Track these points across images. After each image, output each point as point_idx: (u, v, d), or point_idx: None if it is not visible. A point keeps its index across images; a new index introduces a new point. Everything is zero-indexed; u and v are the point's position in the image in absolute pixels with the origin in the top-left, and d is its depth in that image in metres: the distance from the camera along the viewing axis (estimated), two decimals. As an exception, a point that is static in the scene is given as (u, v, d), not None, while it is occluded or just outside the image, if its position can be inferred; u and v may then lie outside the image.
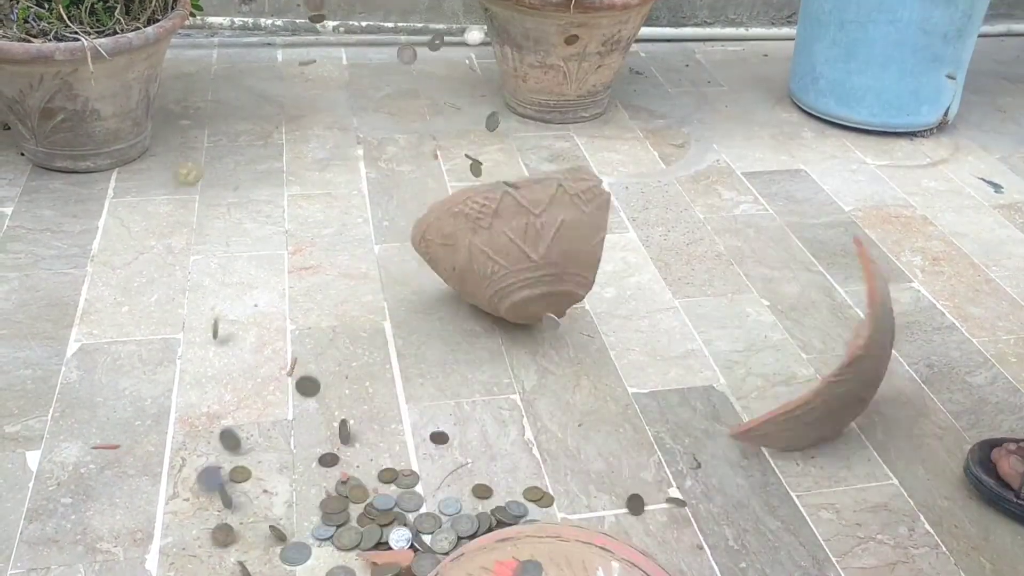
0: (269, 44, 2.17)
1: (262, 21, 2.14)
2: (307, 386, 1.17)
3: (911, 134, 1.92)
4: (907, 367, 1.30)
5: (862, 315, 1.38)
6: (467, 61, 2.15)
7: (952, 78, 1.86)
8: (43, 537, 0.98)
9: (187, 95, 1.91)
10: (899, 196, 1.71)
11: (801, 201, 1.68)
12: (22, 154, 1.64)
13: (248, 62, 2.08)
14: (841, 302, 1.42)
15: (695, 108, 2.00)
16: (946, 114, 1.90)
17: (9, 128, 1.72)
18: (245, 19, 2.13)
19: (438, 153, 1.71)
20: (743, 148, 1.85)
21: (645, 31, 2.26)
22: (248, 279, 1.39)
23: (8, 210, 1.51)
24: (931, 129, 1.92)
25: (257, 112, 1.86)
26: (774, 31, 2.39)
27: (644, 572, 0.84)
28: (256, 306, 1.34)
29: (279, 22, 2.16)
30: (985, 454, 1.10)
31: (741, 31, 2.37)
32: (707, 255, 1.51)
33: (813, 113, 1.97)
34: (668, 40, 2.34)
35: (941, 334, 1.36)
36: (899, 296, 1.44)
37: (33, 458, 1.07)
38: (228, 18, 2.12)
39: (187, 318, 1.30)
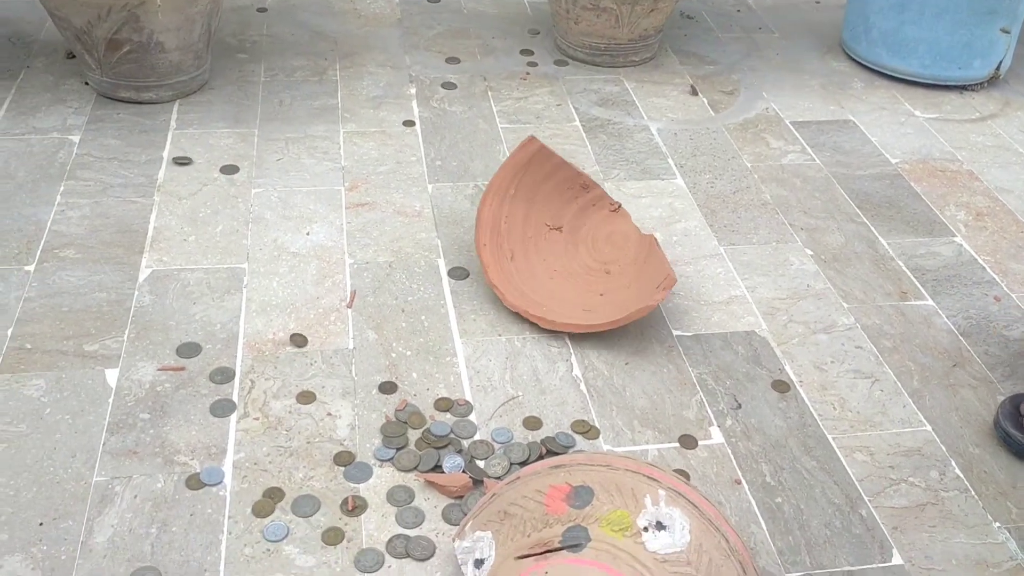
0: (322, -21, 2.19)
1: (316, -45, 2.15)
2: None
3: (961, 87, 1.92)
4: (945, 319, 1.33)
5: (904, 267, 1.41)
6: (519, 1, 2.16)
7: (1007, 32, 1.85)
8: (124, 448, 1.06)
9: (243, 29, 1.94)
10: (946, 150, 1.72)
11: (848, 152, 1.69)
12: (86, 83, 1.69)
13: (302, -3, 2.10)
14: (884, 253, 1.45)
15: (745, 55, 2.01)
16: (998, 68, 1.89)
17: (73, 57, 1.77)
18: (299, -47, 2.14)
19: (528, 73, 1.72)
20: (792, 97, 1.86)
21: (696, -26, 2.25)
22: (307, 213, 1.44)
23: (76, 138, 1.56)
24: (982, 83, 1.91)
25: (312, 48, 1.90)
26: (827, -23, 2.36)
27: (688, 500, 0.89)
28: (309, 234, 1.39)
29: (332, -43, 2.17)
30: (1015, 408, 1.14)
31: (793, -24, 2.35)
32: (753, 203, 1.54)
33: (864, 63, 1.96)
34: (719, -16, 2.32)
35: (981, 287, 1.39)
36: (940, 250, 1.46)
37: (112, 375, 1.14)
38: (282, -48, 2.13)
39: (251, 249, 1.36)
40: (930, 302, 1.36)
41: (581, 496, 0.90)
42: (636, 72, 1.90)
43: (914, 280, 1.40)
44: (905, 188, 1.61)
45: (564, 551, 0.86)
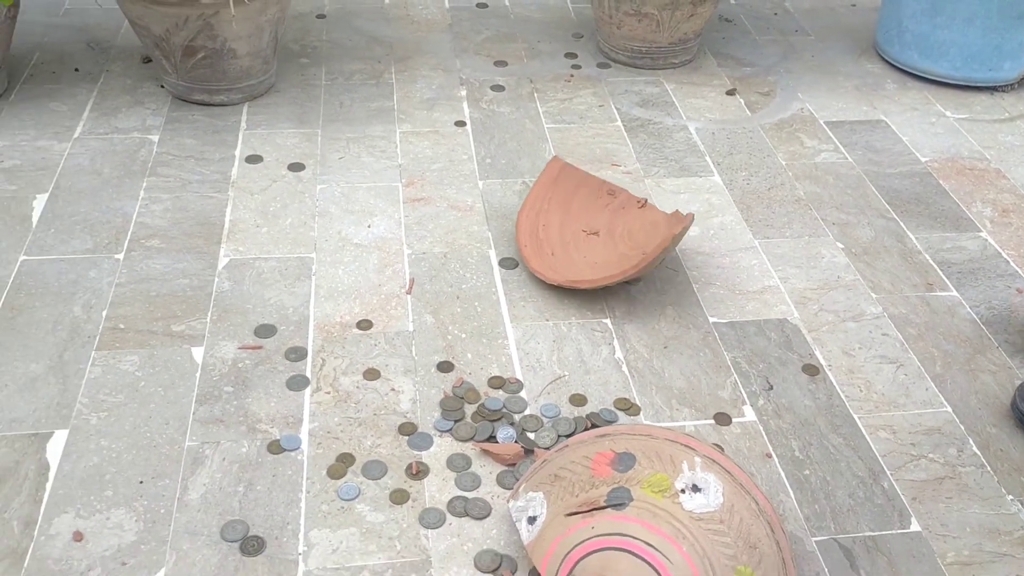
0: (376, -14, 2.30)
1: (370, -36, 2.27)
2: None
3: (991, 89, 1.98)
4: (969, 309, 1.40)
5: (930, 260, 1.49)
6: (563, 5, 2.25)
7: (1037, 34, 1.91)
8: (211, 417, 1.18)
9: (304, 35, 2.06)
10: (975, 149, 1.79)
11: (880, 151, 1.77)
12: (162, 86, 1.82)
13: (357, 3, 2.21)
14: (912, 247, 1.52)
15: (782, 57, 2.09)
16: (1029, 70, 1.96)
17: (149, 61, 1.90)
18: (355, -38, 2.26)
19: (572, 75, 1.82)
20: (827, 98, 1.94)
21: (735, -21, 2.33)
22: (368, 207, 1.55)
23: (155, 138, 1.69)
24: (1012, 84, 1.98)
25: (368, 52, 2.01)
26: (863, -20, 2.43)
27: (721, 466, 0.99)
28: (370, 227, 1.50)
29: (386, -35, 2.28)
30: None
31: (830, -20, 2.42)
32: (787, 199, 1.62)
33: (897, 65, 2.03)
34: (757, -12, 2.40)
35: (1004, 280, 1.46)
36: (966, 244, 1.54)
37: (198, 353, 1.26)
38: (339, -40, 2.25)
39: (317, 240, 1.48)
40: (955, 293, 1.43)
41: (624, 461, 1.00)
42: (675, 74, 1.99)
43: (940, 272, 1.47)
44: (934, 185, 1.68)
45: (609, 509, 0.96)
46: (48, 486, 1.08)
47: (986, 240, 1.55)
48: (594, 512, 0.96)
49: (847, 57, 2.10)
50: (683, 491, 0.96)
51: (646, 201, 1.48)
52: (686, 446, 1.01)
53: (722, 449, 1.16)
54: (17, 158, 1.61)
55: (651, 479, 0.97)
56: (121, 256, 1.42)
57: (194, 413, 1.18)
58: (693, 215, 1.33)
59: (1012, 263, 1.50)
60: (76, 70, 1.87)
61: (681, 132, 1.79)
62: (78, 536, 1.03)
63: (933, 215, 1.60)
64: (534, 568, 1.02)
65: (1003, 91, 1.98)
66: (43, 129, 1.69)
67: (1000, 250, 1.53)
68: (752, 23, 2.23)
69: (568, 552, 0.94)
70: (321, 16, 2.14)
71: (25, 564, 1.00)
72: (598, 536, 0.94)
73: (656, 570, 0.91)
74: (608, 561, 0.91)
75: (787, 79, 2.00)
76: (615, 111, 1.85)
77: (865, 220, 1.58)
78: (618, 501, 0.96)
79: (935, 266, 1.49)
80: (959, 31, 1.91)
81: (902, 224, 1.58)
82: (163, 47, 1.70)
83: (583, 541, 0.94)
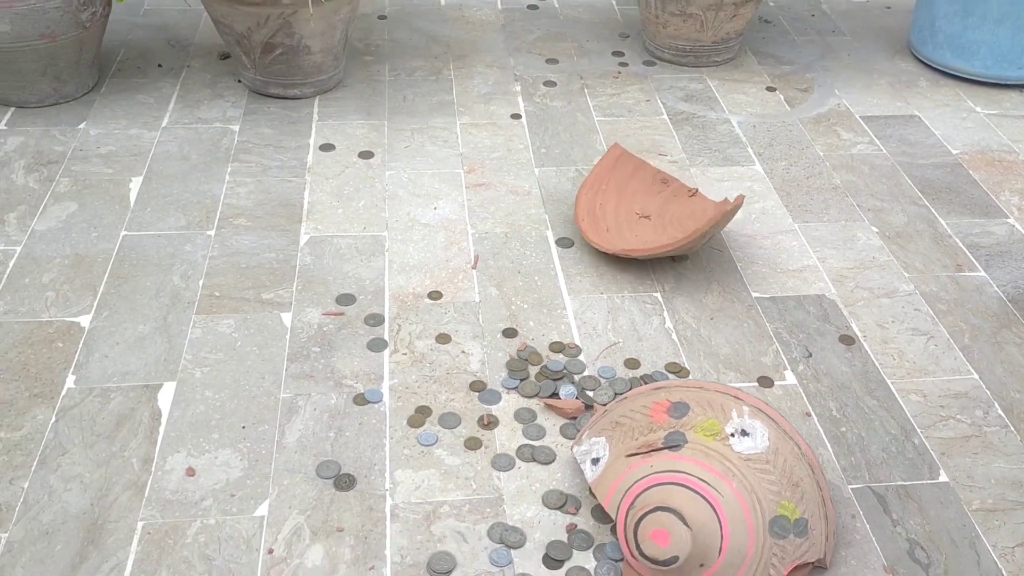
0: (432, -11, 2.44)
1: (427, -32, 2.40)
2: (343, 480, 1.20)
3: (1021, 86, 2.07)
4: (996, 288, 1.50)
5: (960, 243, 1.59)
6: (611, 5, 2.37)
7: (1066, 34, 2.00)
8: (302, 373, 1.30)
9: (368, 34, 2.19)
10: (1004, 142, 1.88)
11: (913, 143, 1.87)
12: (239, 81, 1.96)
13: (416, 5, 2.35)
14: (942, 232, 1.62)
15: (819, 56, 2.19)
16: (1058, 68, 2.04)
17: (226, 58, 2.04)
18: (413, -34, 2.40)
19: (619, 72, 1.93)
20: (862, 94, 2.04)
21: (774, -18, 2.43)
22: (433, 191, 1.68)
23: (236, 127, 1.83)
24: (1042, 82, 2.07)
25: (428, 51, 2.14)
26: (898, -16, 2.52)
27: (766, 415, 1.10)
28: (436, 209, 1.63)
29: (442, -31, 2.42)
30: None
31: (865, -17, 2.51)
32: (824, 187, 1.73)
33: (930, 64, 2.13)
34: (795, -9, 2.51)
35: (1030, 263, 1.56)
36: (995, 229, 1.63)
37: (287, 318, 1.39)
38: (399, -35, 2.39)
39: (389, 220, 1.60)
40: (983, 274, 1.53)
41: (679, 409, 1.11)
42: (718, 71, 2.10)
43: (969, 255, 1.57)
44: (964, 176, 1.77)
45: (666, 450, 1.07)
46: (161, 430, 1.21)
47: (1013, 226, 1.65)
48: (652, 453, 1.08)
49: (882, 56, 2.20)
50: (732, 435, 1.07)
51: (696, 190, 1.59)
52: (735, 397, 1.12)
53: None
54: (112, 144, 1.76)
55: (704, 424, 1.09)
56: (212, 232, 1.55)
57: (286, 369, 1.31)
58: (744, 196, 1.44)
59: (1038, 247, 1.60)
60: (159, 66, 2.02)
61: (724, 125, 1.90)
62: (190, 472, 1.16)
63: (963, 202, 1.70)
64: (596, 505, 1.13)
65: (1033, 88, 2.07)
66: (133, 119, 1.83)
67: (1027, 235, 1.63)
68: (791, 24, 2.34)
69: (629, 487, 1.06)
70: (383, 17, 2.28)
71: (146, 494, 1.13)
72: (656, 473, 1.05)
73: (709, 502, 1.02)
74: (666, 494, 1.03)
75: (824, 76, 2.10)
76: (661, 105, 1.97)
77: (898, 207, 1.68)
78: (674, 443, 1.07)
79: (964, 249, 1.58)
80: (989, 31, 2.00)
81: (933, 210, 1.68)
82: (243, 44, 1.84)
83: (643, 477, 1.06)
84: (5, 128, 1.79)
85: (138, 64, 2.03)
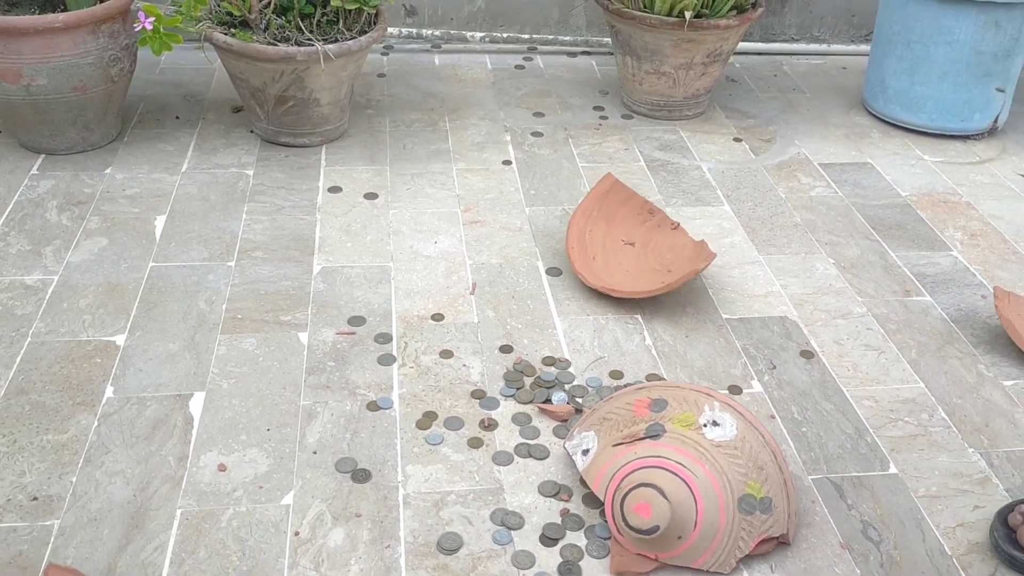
0: (428, 50, 2.64)
1: (423, 31, 2.61)
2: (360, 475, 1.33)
3: (964, 137, 2.28)
4: (940, 310, 1.67)
5: (908, 273, 1.76)
6: (590, 67, 2.58)
7: (1001, 91, 2.21)
8: (319, 384, 1.44)
9: (369, 90, 2.38)
10: (949, 186, 2.08)
11: (866, 187, 2.06)
12: (252, 131, 2.13)
13: (412, 65, 2.54)
14: (892, 263, 1.80)
15: (781, 111, 2.40)
16: (996, 121, 2.26)
17: (239, 111, 2.22)
18: (410, 29, 2.60)
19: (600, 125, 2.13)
20: (820, 144, 2.24)
21: (741, 46, 2.66)
22: (434, 228, 1.84)
23: (250, 172, 1.99)
24: (982, 133, 2.28)
25: (424, 105, 2.33)
26: (852, 47, 2.76)
27: (735, 409, 1.25)
28: (436, 243, 1.79)
29: (437, 32, 2.62)
30: (1005, 525, 1.22)
31: (824, 47, 2.75)
32: (786, 225, 1.91)
33: (881, 117, 2.34)
34: (760, 53, 2.73)
35: (971, 289, 1.74)
36: (939, 260, 1.81)
37: (303, 337, 1.54)
38: (397, 28, 2.59)
39: (393, 253, 1.76)
40: (928, 298, 1.70)
41: (659, 405, 1.26)
42: (689, 124, 2.30)
43: (916, 282, 1.75)
44: (912, 215, 1.96)
45: (647, 439, 1.22)
46: (194, 432, 1.34)
47: (956, 258, 1.83)
48: (636, 442, 1.22)
49: (838, 111, 2.41)
50: (705, 425, 1.22)
51: (679, 225, 1.76)
52: (707, 394, 1.27)
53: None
54: (137, 187, 1.91)
55: (680, 417, 1.23)
56: (233, 264, 1.70)
57: (305, 381, 1.45)
58: (715, 255, 1.60)
59: (978, 275, 1.77)
60: (177, 118, 2.19)
61: (695, 171, 2.09)
62: (222, 467, 1.29)
63: (911, 237, 1.88)
64: (587, 494, 1.27)
65: (975, 139, 2.28)
66: (155, 164, 1.99)
67: (968, 265, 1.80)
68: (755, 82, 2.55)
69: (616, 471, 1.20)
70: (382, 75, 2.47)
71: (182, 487, 1.26)
72: (640, 458, 1.20)
73: (685, 482, 1.16)
74: (648, 475, 1.17)
75: (785, 129, 2.30)
76: (639, 153, 2.15)
77: (853, 241, 1.86)
78: (654, 433, 1.22)
79: (912, 277, 1.76)
80: (934, 87, 2.21)
81: (884, 244, 1.86)
82: (258, 96, 2.01)
83: (628, 462, 1.20)
84: (37, 173, 1.94)
85: (157, 116, 2.19)
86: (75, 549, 1.17)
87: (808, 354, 1.55)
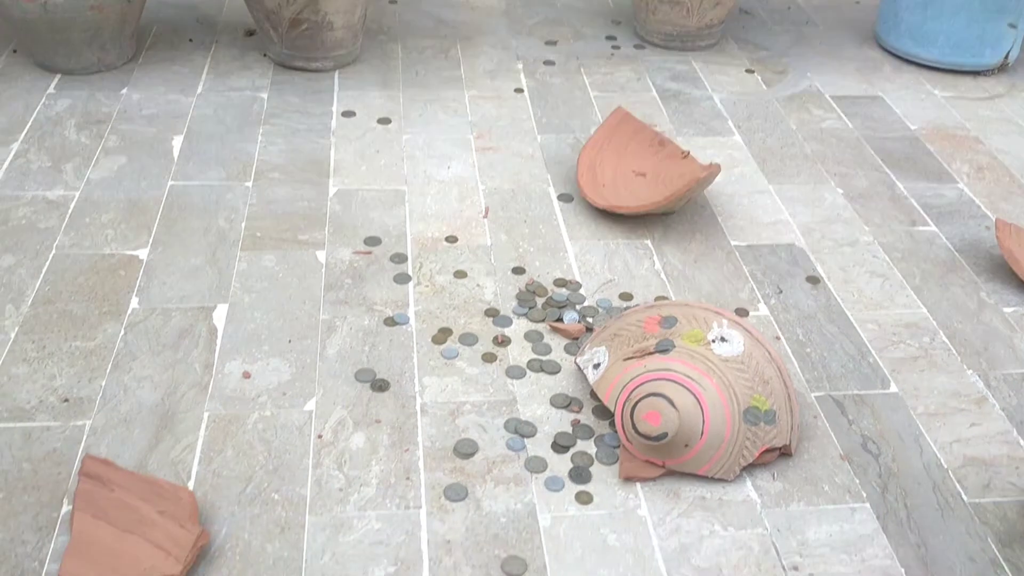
0: (438, -22, 2.63)
1: (435, -42, 2.59)
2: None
3: (975, 73, 2.28)
4: (945, 240, 1.71)
5: (915, 204, 1.79)
6: (600, -2, 2.57)
7: (1013, 27, 2.21)
8: (338, 300, 1.48)
9: (381, 17, 2.38)
10: (958, 121, 2.10)
11: (876, 120, 2.07)
12: (265, 55, 2.14)
13: (423, -8, 2.54)
14: (900, 194, 1.82)
15: (794, 43, 2.40)
16: (1006, 57, 2.26)
17: (251, 35, 2.22)
18: (421, -44, 2.58)
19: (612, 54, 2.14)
20: (832, 77, 2.24)
21: (753, -22, 2.64)
22: (446, 153, 1.86)
23: (264, 95, 2.01)
24: (993, 69, 2.28)
25: (436, 32, 2.33)
26: (867, -18, 2.74)
27: (742, 327, 1.29)
28: (449, 168, 1.81)
29: (447, -41, 2.60)
30: None
31: (837, -19, 2.73)
32: (797, 155, 1.93)
33: (893, 52, 2.34)
34: (773, -14, 2.72)
35: (976, 220, 1.77)
36: (946, 192, 1.84)
37: (321, 255, 1.57)
38: (408, -45, 2.58)
39: (407, 177, 1.79)
40: (934, 228, 1.73)
41: (669, 322, 1.30)
42: (702, 55, 2.30)
43: (923, 213, 1.78)
44: (921, 148, 1.98)
45: (657, 354, 1.26)
46: (218, 341, 1.39)
47: (963, 190, 1.85)
48: (646, 356, 1.26)
49: (850, 44, 2.41)
50: (713, 341, 1.26)
51: (688, 153, 1.78)
52: (716, 312, 1.31)
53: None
54: (153, 108, 1.93)
55: (689, 333, 1.28)
56: (250, 184, 1.73)
57: (323, 296, 1.48)
58: (720, 166, 1.63)
59: (983, 207, 1.80)
60: (190, 40, 2.19)
61: (707, 101, 2.10)
62: (246, 375, 1.34)
63: (919, 170, 1.91)
64: (596, 406, 1.32)
65: (985, 75, 2.28)
66: (171, 86, 2.01)
67: (974, 198, 1.83)
68: (768, 15, 2.54)
69: (626, 383, 1.25)
70: (393, 2, 2.46)
71: (209, 392, 1.30)
72: (649, 371, 1.24)
73: (693, 393, 1.21)
74: (657, 386, 1.21)
75: (798, 61, 2.31)
76: (651, 83, 2.16)
77: (862, 173, 1.89)
78: (664, 348, 1.26)
79: (919, 208, 1.79)
80: (947, 21, 2.21)
81: (892, 176, 1.88)
82: (272, 19, 2.01)
83: (638, 375, 1.24)
84: (54, 92, 1.96)
85: (171, 39, 2.20)
86: (107, 448, 1.22)
87: (814, 280, 1.59)
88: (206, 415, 1.27)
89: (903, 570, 1.14)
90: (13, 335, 1.37)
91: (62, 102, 1.93)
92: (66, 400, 1.28)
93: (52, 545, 1.10)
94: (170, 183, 1.71)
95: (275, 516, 1.15)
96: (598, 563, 1.12)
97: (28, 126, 1.85)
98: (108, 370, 1.33)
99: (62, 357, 1.34)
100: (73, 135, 1.83)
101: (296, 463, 1.21)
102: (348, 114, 1.96)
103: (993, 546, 1.17)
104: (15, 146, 1.79)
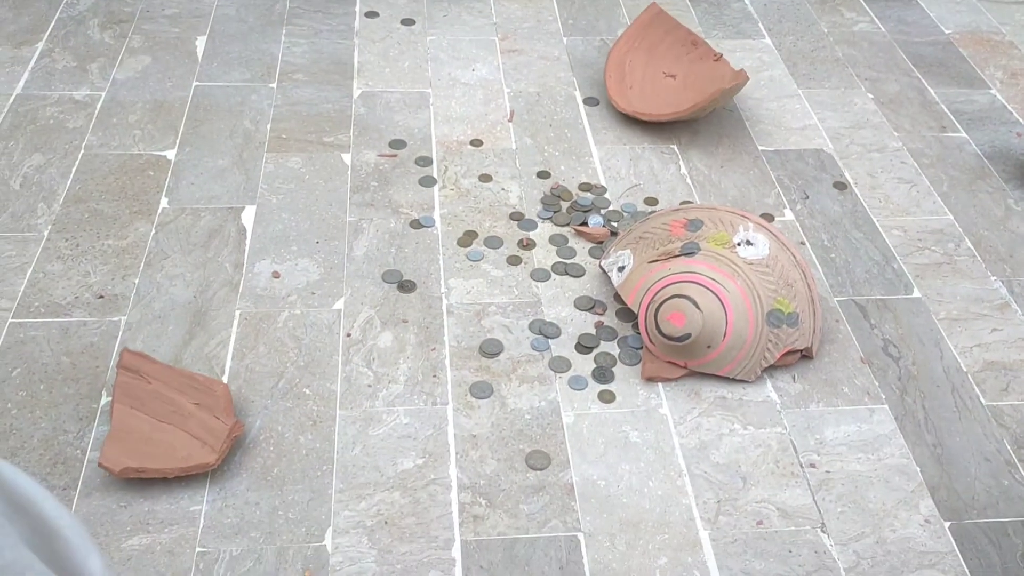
0: None
1: None
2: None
3: (1016, -26, 2.21)
4: (975, 146, 1.68)
5: (946, 109, 1.76)
6: None
7: (1060, -76, 2.13)
8: (363, 202, 1.49)
9: (403, -87, 2.32)
10: (993, 25, 2.04)
11: (909, 23, 2.02)
12: (286, -46, 2.10)
13: None
14: (931, 99, 1.79)
15: (827, -56, 2.32)
16: (1050, -43, 2.18)
17: (272, -66, 2.17)
18: None
19: None
20: (866, -21, 2.18)
21: None
22: (471, 55, 1.84)
23: (286, -4, 1.98)
24: (1035, -30, 2.21)
25: (460, -70, 2.27)
26: None
27: (768, 230, 1.29)
28: (474, 71, 1.79)
29: None
30: None
31: None
32: (827, 59, 1.89)
33: (931, -48, 2.26)
34: None
35: (1007, 126, 1.74)
36: (977, 98, 1.81)
37: (347, 157, 1.58)
38: None
39: (432, 79, 1.77)
40: (964, 134, 1.71)
41: (695, 225, 1.31)
42: (733, -44, 2.24)
43: (953, 119, 1.75)
44: (954, 53, 1.94)
45: (682, 256, 1.27)
46: (247, 241, 1.41)
47: (995, 96, 1.82)
48: (671, 259, 1.27)
49: (887, -55, 2.33)
50: (739, 244, 1.27)
51: (721, 55, 1.75)
52: (742, 215, 1.32)
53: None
54: (175, 7, 1.91)
55: (715, 236, 1.28)
56: (274, 85, 1.72)
57: (350, 199, 1.50)
58: (748, 75, 1.60)
59: (1015, 114, 1.77)
60: (210, -61, 2.15)
61: (737, 3, 2.05)
62: (276, 274, 1.36)
63: (951, 75, 1.87)
64: (620, 309, 1.34)
65: (1026, -23, 2.21)
66: (192, -14, 1.99)
67: (1006, 104, 1.80)
68: (802, -86, 2.46)
69: (651, 285, 1.26)
70: (416, -102, 2.40)
71: (240, 291, 1.33)
72: (674, 273, 1.25)
73: (717, 295, 1.22)
74: (682, 288, 1.23)
75: (832, -38, 2.24)
76: (679, -15, 2.11)
77: (893, 77, 1.85)
78: (689, 251, 1.27)
79: (949, 114, 1.76)
80: (989, -80, 2.13)
81: (924, 81, 1.85)
82: (293, -84, 1.97)
83: (662, 277, 1.26)
84: (75, -9, 1.94)
85: (189, -63, 2.16)
86: (142, 342, 1.25)
87: (841, 185, 1.58)
88: (238, 312, 1.30)
89: (919, 469, 1.16)
90: (47, 233, 1.40)
91: (84, 1, 1.91)
92: (101, 296, 1.31)
93: (92, 435, 1.14)
94: (195, 84, 1.71)
95: (307, 410, 1.19)
96: (620, 458, 1.15)
97: (52, 25, 1.84)
98: (141, 268, 1.35)
99: (95, 255, 1.37)
100: (97, 35, 1.82)
101: (326, 360, 1.24)
102: (371, 15, 1.93)
103: (1009, 447, 1.20)
104: (40, 45, 1.78)
